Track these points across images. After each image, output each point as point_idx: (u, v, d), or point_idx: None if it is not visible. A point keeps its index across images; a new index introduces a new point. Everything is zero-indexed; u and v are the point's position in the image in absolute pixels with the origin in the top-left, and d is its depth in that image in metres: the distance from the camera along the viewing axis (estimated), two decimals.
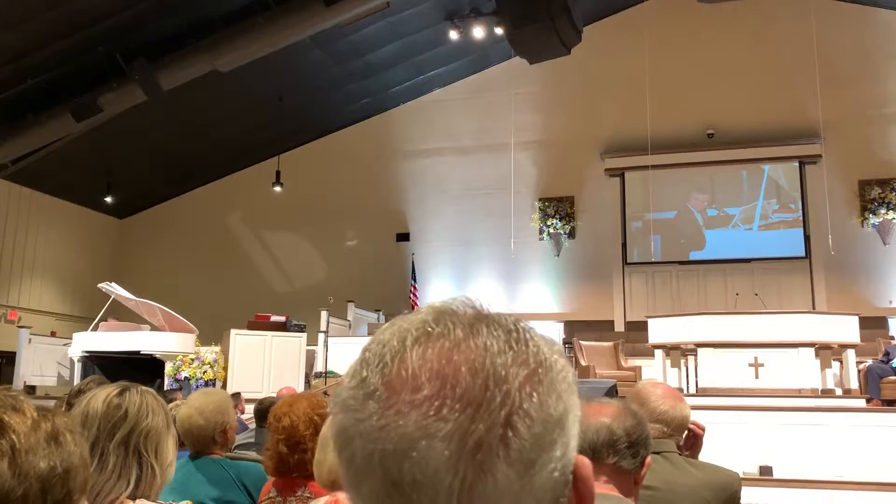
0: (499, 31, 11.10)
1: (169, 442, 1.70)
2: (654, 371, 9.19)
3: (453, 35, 12.41)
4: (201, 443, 2.78)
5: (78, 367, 10.39)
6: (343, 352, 11.41)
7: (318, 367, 11.31)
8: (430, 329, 0.53)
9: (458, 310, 0.55)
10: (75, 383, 6.91)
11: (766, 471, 6.91)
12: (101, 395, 1.66)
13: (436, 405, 0.49)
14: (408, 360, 0.51)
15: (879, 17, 12.92)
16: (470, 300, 0.56)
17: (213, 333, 11.35)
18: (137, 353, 10.09)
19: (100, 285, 10.66)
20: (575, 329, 12.95)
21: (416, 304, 14.18)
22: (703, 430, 2.45)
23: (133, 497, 1.59)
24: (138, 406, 1.66)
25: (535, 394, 0.51)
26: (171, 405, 2.88)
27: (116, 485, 1.58)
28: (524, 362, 0.52)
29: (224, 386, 10.54)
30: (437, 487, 0.47)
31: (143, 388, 1.73)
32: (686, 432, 2.36)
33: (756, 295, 11.14)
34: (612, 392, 6.33)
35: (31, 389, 11.10)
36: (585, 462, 0.54)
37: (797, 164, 13.23)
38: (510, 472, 0.48)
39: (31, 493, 0.89)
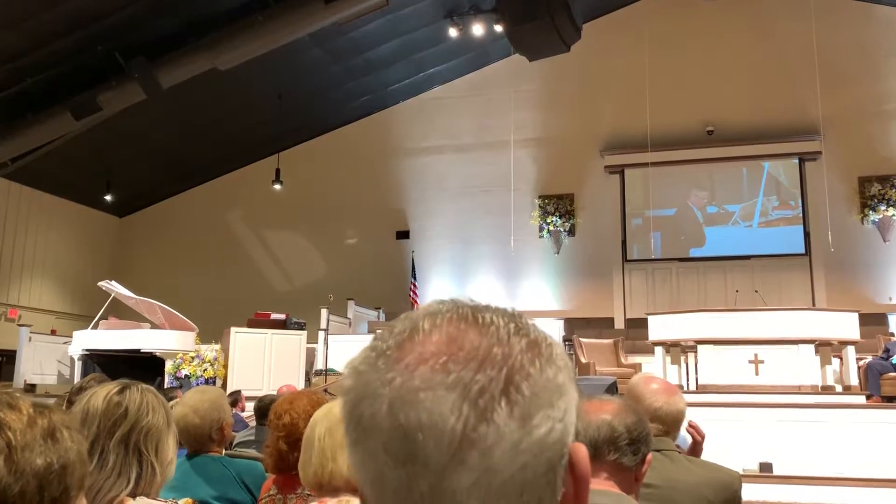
0: (498, 28, 11.09)
1: (169, 440, 1.70)
2: (654, 368, 9.18)
3: (453, 32, 12.40)
4: (198, 441, 2.78)
5: (78, 366, 10.39)
6: (343, 349, 11.41)
7: (319, 365, 11.31)
8: (440, 307, 0.58)
9: (464, 300, 0.59)
10: (75, 381, 6.91)
11: (766, 467, 6.92)
12: (102, 393, 1.65)
13: (442, 360, 0.53)
14: (420, 328, 0.55)
15: (879, 13, 12.91)
16: (472, 299, 0.60)
17: (213, 331, 11.36)
18: (137, 351, 10.10)
19: (100, 283, 10.67)
20: (575, 326, 12.96)
21: (415, 301, 14.18)
22: (703, 436, 2.45)
23: (133, 495, 1.58)
24: (139, 404, 1.66)
25: (536, 360, 0.54)
26: (171, 403, 2.88)
27: (116, 483, 1.57)
28: (526, 334, 0.56)
29: (224, 384, 10.54)
30: (442, 429, 0.51)
31: (144, 385, 1.73)
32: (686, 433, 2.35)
33: (756, 292, 11.14)
34: (612, 389, 6.33)
35: (31, 388, 11.10)
36: (581, 448, 0.56)
37: (797, 160, 13.22)
38: (510, 422, 0.51)
39: (28, 490, 0.89)
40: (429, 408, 0.51)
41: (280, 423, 2.48)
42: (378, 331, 0.58)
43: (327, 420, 1.90)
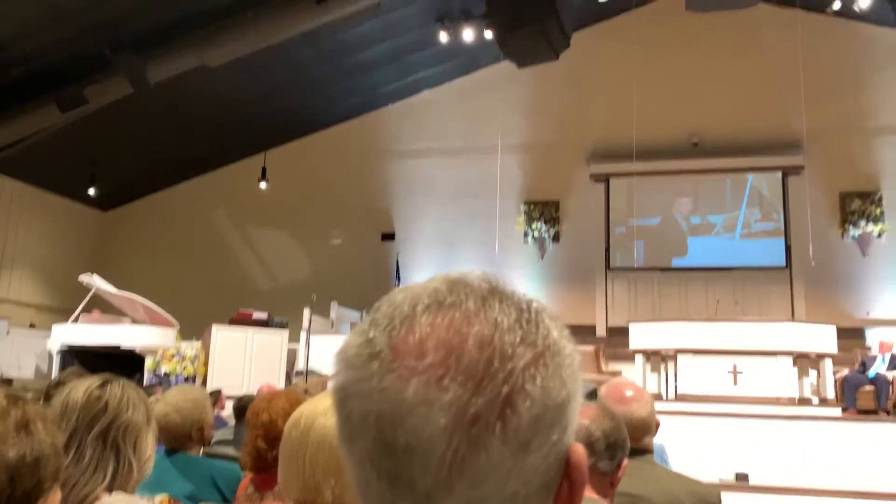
0: (488, 34, 11.11)
1: (148, 437, 1.69)
2: (634, 376, 9.22)
3: (443, 37, 12.41)
4: (177, 440, 2.78)
5: (56, 360, 10.28)
6: (325, 350, 11.37)
7: (300, 365, 11.26)
8: (441, 298, 0.52)
9: (473, 282, 0.55)
10: (53, 376, 6.85)
11: (742, 477, 6.97)
12: (82, 387, 1.65)
13: (438, 374, 0.49)
14: (416, 325, 0.51)
15: (865, 32, 13.06)
16: (486, 275, 0.56)
17: (194, 329, 11.27)
18: (117, 347, 10.01)
19: (81, 277, 10.57)
20: None
21: None
22: None
23: (110, 490, 1.58)
24: (119, 399, 1.65)
25: (538, 377, 0.51)
26: (150, 400, 2.87)
27: (92, 478, 1.56)
28: (532, 343, 0.52)
29: (204, 382, 10.46)
30: (430, 455, 0.48)
31: (126, 381, 1.72)
32: None
33: (736, 303, 11.23)
34: (592, 396, 6.35)
35: (8, 382, 10.98)
36: (580, 449, 0.54)
37: (780, 174, 13.35)
38: (504, 451, 0.49)
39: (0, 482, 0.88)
40: (417, 432, 0.48)
41: (258, 421, 2.47)
42: (376, 305, 0.54)
43: (312, 436, 1.52)
